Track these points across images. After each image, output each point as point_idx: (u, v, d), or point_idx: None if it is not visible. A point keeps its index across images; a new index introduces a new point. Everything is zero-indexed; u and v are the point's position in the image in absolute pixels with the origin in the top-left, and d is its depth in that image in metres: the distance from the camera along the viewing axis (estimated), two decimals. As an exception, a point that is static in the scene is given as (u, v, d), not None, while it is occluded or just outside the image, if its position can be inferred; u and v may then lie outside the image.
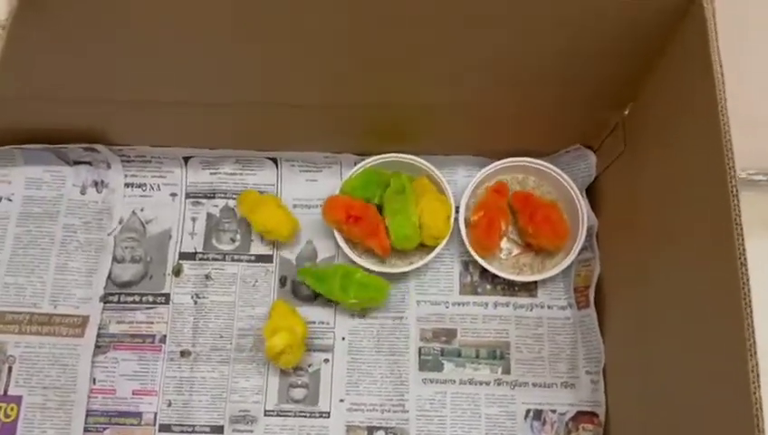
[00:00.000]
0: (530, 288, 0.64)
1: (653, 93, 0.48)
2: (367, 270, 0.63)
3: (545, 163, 0.63)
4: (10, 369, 0.62)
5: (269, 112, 0.59)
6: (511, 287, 0.64)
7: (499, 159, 0.64)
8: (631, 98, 0.52)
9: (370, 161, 0.64)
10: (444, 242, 0.61)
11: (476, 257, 0.61)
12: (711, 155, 0.37)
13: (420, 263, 0.62)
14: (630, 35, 0.45)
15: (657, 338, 0.47)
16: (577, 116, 0.57)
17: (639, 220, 0.50)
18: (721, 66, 0.35)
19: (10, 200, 0.66)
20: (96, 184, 0.67)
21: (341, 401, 0.61)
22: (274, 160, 0.67)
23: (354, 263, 0.63)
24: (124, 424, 0.61)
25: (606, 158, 0.59)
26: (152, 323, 0.63)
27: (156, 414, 0.61)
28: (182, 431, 0.61)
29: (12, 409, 0.61)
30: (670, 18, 0.41)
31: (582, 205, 0.61)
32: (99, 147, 0.64)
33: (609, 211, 0.59)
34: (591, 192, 0.63)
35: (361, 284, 0.61)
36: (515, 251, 0.64)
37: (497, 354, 0.62)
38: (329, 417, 0.61)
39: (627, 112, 0.54)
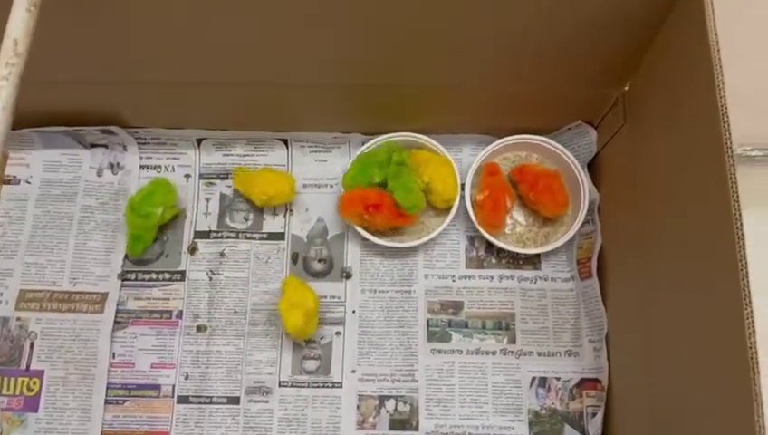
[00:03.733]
0: (533, 261, 0.66)
1: (652, 68, 0.50)
2: (377, 246, 0.65)
3: (547, 140, 0.65)
4: (32, 344, 0.64)
5: (280, 93, 0.61)
6: (515, 261, 0.66)
7: (502, 138, 0.66)
8: (631, 73, 0.54)
9: (376, 142, 0.66)
10: (455, 209, 0.63)
11: (484, 233, 0.63)
12: (709, 129, 0.38)
13: (428, 237, 0.64)
14: (629, 11, 0.47)
15: (659, 305, 0.49)
16: (578, 93, 0.59)
17: (640, 193, 0.52)
18: (717, 38, 0.37)
19: (29, 183, 0.68)
20: (112, 166, 0.69)
21: (353, 371, 0.64)
22: (285, 141, 0.69)
23: (366, 239, 0.65)
24: (143, 396, 0.63)
25: (606, 133, 0.61)
26: (169, 299, 0.66)
27: (174, 386, 0.63)
28: (200, 402, 0.63)
29: (35, 383, 0.63)
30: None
31: (584, 179, 0.63)
32: (115, 129, 0.66)
33: (610, 185, 0.62)
34: (593, 167, 0.65)
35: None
36: (519, 227, 0.66)
37: (503, 325, 0.64)
38: (341, 387, 0.63)
39: (627, 88, 0.56)
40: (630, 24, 0.48)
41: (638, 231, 0.54)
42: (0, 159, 0.35)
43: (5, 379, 0.63)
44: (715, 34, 0.38)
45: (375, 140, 0.66)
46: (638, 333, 0.52)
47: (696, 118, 0.42)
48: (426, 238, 0.64)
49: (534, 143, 0.65)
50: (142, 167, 0.69)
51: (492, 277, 0.66)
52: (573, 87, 0.58)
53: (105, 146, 0.69)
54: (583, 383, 0.62)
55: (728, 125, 0.37)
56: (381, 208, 0.62)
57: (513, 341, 0.64)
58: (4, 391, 0.63)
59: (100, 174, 0.69)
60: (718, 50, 0.37)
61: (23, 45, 0.36)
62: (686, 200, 0.44)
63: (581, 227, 0.63)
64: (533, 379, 0.63)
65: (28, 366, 0.63)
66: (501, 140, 0.65)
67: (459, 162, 0.67)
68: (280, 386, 0.63)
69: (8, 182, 0.68)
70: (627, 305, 0.56)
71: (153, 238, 0.66)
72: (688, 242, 0.44)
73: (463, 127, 0.67)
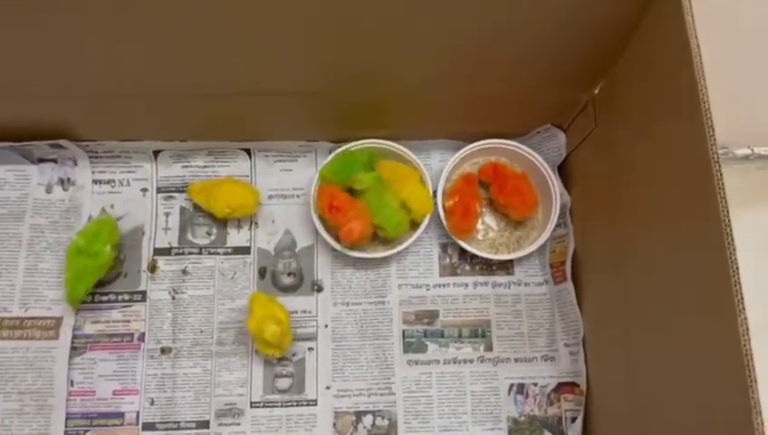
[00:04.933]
0: (507, 267, 0.65)
1: (624, 71, 0.50)
2: (348, 257, 0.63)
3: (516, 144, 0.64)
4: (-18, 376, 0.60)
5: (242, 101, 0.58)
6: (489, 267, 0.65)
7: (471, 143, 0.65)
8: (601, 76, 0.54)
9: (346, 148, 0.64)
10: (426, 220, 0.62)
11: (456, 239, 0.62)
12: (691, 131, 0.38)
13: (401, 247, 0.62)
14: (601, 16, 0.46)
15: (638, 309, 0.49)
16: (548, 96, 0.59)
17: (615, 195, 0.52)
18: (698, 41, 0.37)
19: (-29, 202, 0.64)
20: (62, 182, 0.65)
21: (328, 387, 0.62)
22: (248, 151, 0.67)
23: (335, 250, 0.63)
24: (106, 425, 0.60)
25: (576, 136, 0.61)
26: (129, 321, 0.62)
27: (138, 413, 0.60)
28: (167, 429, 0.60)
29: (-15, 417, 0.59)
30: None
31: (555, 183, 0.62)
32: (65, 142, 0.62)
33: (581, 188, 0.61)
34: (563, 170, 0.65)
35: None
36: (491, 232, 0.65)
37: (479, 332, 0.63)
38: (316, 405, 0.61)
39: (597, 91, 0.56)
40: (601, 28, 0.48)
41: (612, 233, 0.54)
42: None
43: (-48, 415, 0.59)
44: (696, 37, 0.37)
45: (343, 148, 0.64)
46: (617, 336, 0.52)
47: (675, 120, 0.42)
48: (398, 248, 0.62)
49: (503, 147, 0.65)
50: (95, 181, 0.66)
51: (466, 284, 0.65)
52: (542, 90, 0.58)
53: (54, 161, 0.65)
54: (561, 388, 0.62)
55: (712, 128, 0.37)
56: (338, 212, 0.60)
57: (489, 348, 0.63)
58: (-49, 429, 0.58)
59: (49, 190, 0.65)
60: (699, 54, 0.37)
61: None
62: (667, 202, 0.44)
63: (553, 230, 0.63)
64: (511, 385, 0.62)
65: (-22, 400, 0.59)
66: (470, 145, 0.65)
67: (429, 168, 0.66)
68: (252, 407, 0.61)
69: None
70: (603, 309, 0.56)
71: (95, 281, 0.61)
72: (669, 244, 0.44)
73: (431, 132, 0.66)
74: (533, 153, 0.63)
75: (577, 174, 0.62)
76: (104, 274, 0.61)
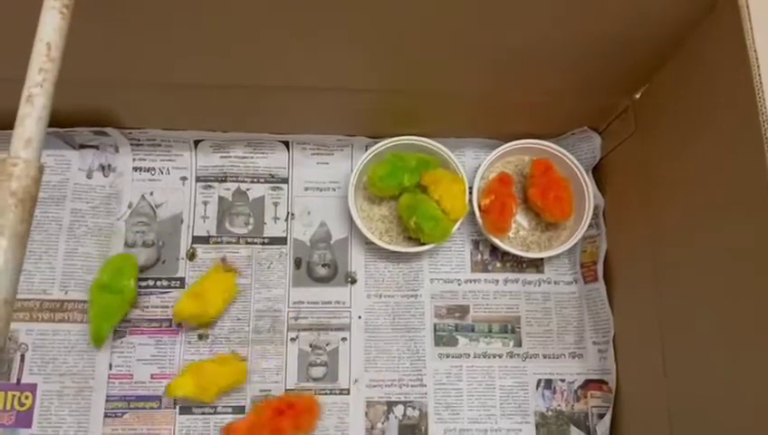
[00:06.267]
0: (537, 265, 0.67)
1: (672, 76, 0.51)
2: (382, 250, 0.64)
3: (551, 145, 0.66)
4: (23, 357, 0.61)
5: (283, 96, 0.59)
6: (519, 265, 0.67)
7: (507, 142, 0.66)
8: (643, 83, 0.55)
9: (382, 145, 0.65)
10: (460, 222, 0.63)
11: (490, 237, 0.64)
12: (747, 135, 0.39)
13: (434, 245, 0.63)
14: (647, 26, 0.47)
15: (678, 309, 0.50)
16: (588, 101, 0.60)
17: (654, 197, 0.54)
18: (756, 47, 0.38)
19: (13, 185, 0.64)
20: (103, 168, 0.66)
21: (360, 377, 0.63)
22: (286, 143, 0.68)
23: (371, 243, 0.64)
24: (144, 408, 0.61)
25: (613, 140, 0.62)
26: (168, 306, 0.63)
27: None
28: (204, 413, 0.61)
29: (26, 397, 0.60)
30: (695, 7, 0.44)
31: (588, 185, 0.64)
32: (109, 130, 0.63)
33: (617, 190, 0.63)
34: (597, 172, 0.66)
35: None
36: (522, 231, 0.67)
37: (509, 329, 0.65)
38: (348, 394, 0.63)
39: (638, 96, 0.57)
40: (647, 37, 0.49)
41: (648, 235, 0.55)
42: (36, 173, 0.33)
43: (-7, 394, 0.60)
44: (754, 43, 0.39)
45: (380, 144, 0.65)
46: (651, 336, 0.54)
47: (730, 125, 0.43)
48: (431, 245, 0.63)
49: (539, 147, 0.66)
50: (135, 169, 0.67)
51: (497, 281, 0.66)
52: (582, 96, 0.59)
53: (95, 147, 0.66)
54: (588, 384, 0.63)
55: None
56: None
57: (519, 344, 0.65)
58: (-7, 407, 0.59)
59: (90, 176, 0.66)
60: (757, 59, 0.38)
61: (56, 50, 0.34)
62: (715, 205, 0.45)
63: (585, 231, 0.64)
64: (539, 381, 0.64)
65: (19, 380, 0.60)
66: (506, 145, 0.66)
67: (462, 165, 0.67)
68: (287, 394, 0.62)
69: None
70: (637, 309, 0.58)
71: (121, 318, 0.61)
72: (715, 247, 0.45)
73: (467, 131, 0.67)
74: (568, 154, 0.65)
75: (612, 176, 0.64)
76: (129, 310, 0.61)
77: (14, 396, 0.60)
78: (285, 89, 0.58)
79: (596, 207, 0.64)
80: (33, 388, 0.60)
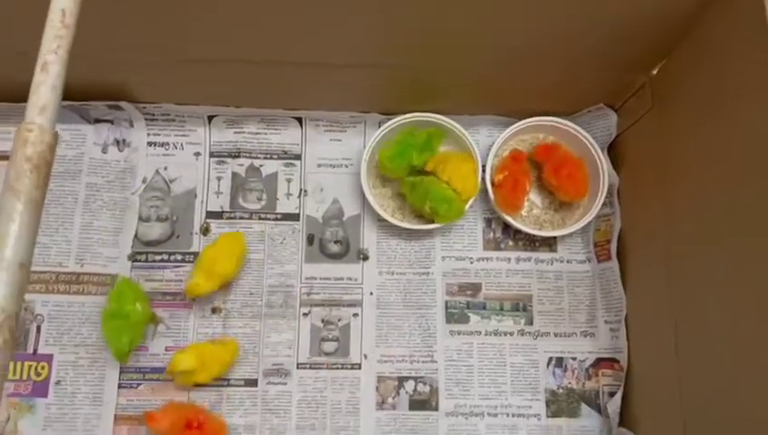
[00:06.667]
0: (550, 243, 0.66)
1: (691, 52, 0.50)
2: (394, 228, 0.65)
3: (566, 122, 0.65)
4: (39, 328, 0.62)
5: (296, 71, 0.59)
6: (532, 243, 0.66)
7: (521, 119, 0.66)
8: (661, 58, 0.55)
9: (395, 122, 0.65)
10: (471, 201, 0.63)
11: (502, 215, 0.64)
12: (765, 121, 0.38)
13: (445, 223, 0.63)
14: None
15: (690, 292, 0.50)
16: (604, 77, 0.59)
17: (670, 176, 0.53)
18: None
19: (29, 159, 0.65)
20: (117, 143, 0.67)
21: (371, 353, 0.63)
22: (299, 120, 0.68)
23: (383, 220, 0.64)
24: (158, 380, 0.62)
25: (629, 117, 0.61)
26: (182, 280, 0.64)
27: (189, 369, 0.62)
28: (218, 386, 0.62)
29: (42, 367, 0.61)
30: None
31: (603, 163, 0.63)
32: (124, 104, 0.63)
33: (632, 169, 0.62)
34: (612, 150, 0.65)
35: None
36: (535, 209, 0.66)
37: (520, 307, 0.65)
38: (360, 368, 0.63)
39: (655, 72, 0.56)
40: (668, 10, 0.48)
41: (664, 215, 0.54)
42: (51, 139, 0.33)
43: (10, 363, 0.61)
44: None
45: (393, 121, 0.65)
46: (664, 315, 0.53)
47: (747, 104, 0.42)
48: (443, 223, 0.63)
49: (553, 125, 0.65)
50: (150, 144, 0.67)
51: (509, 259, 0.66)
52: (599, 73, 0.58)
53: (110, 121, 0.66)
54: (599, 363, 0.63)
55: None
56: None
57: (530, 322, 0.64)
58: (11, 376, 0.60)
59: (105, 151, 0.66)
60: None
61: (71, 16, 0.34)
62: (732, 183, 0.44)
63: (599, 209, 0.63)
64: (550, 359, 0.64)
65: (35, 350, 0.61)
66: (520, 123, 0.65)
67: (476, 143, 0.66)
68: (298, 368, 0.63)
69: (6, 158, 0.65)
70: (650, 288, 0.57)
71: (139, 336, 0.60)
72: (732, 225, 0.44)
73: (480, 108, 0.66)
74: (583, 132, 0.64)
75: (627, 154, 0.63)
76: (143, 330, 0.61)
77: (30, 366, 0.61)
78: (298, 64, 0.58)
79: (610, 186, 0.63)
80: (49, 358, 0.61)
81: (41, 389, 0.60)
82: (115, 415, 0.60)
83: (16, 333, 0.31)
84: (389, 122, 0.65)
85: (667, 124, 0.54)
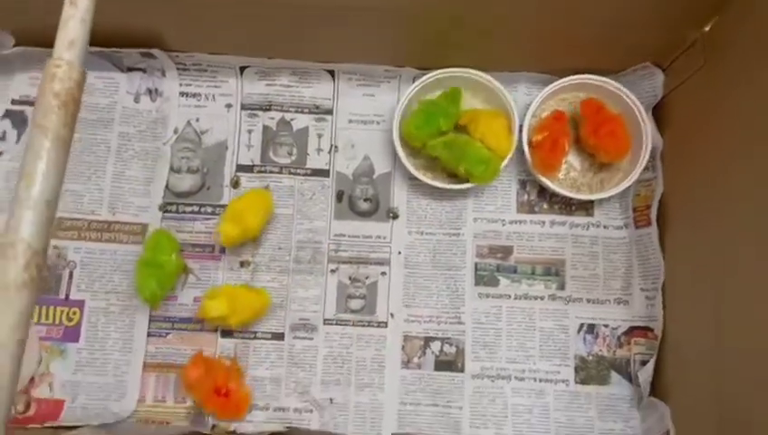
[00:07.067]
0: (587, 207, 0.64)
1: (744, 10, 0.47)
2: (425, 187, 0.63)
3: (610, 81, 0.62)
4: (71, 274, 0.62)
5: (327, 16, 0.57)
6: (568, 207, 0.64)
7: (562, 78, 0.63)
8: (714, 14, 0.51)
9: (431, 77, 0.63)
10: (507, 159, 0.61)
11: (538, 177, 0.62)
12: None
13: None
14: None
15: (736, 260, 0.48)
16: (652, 33, 0.56)
17: (719, 141, 0.50)
18: None
19: (63, 106, 0.65)
20: (150, 92, 0.66)
21: (398, 312, 0.63)
22: (332, 73, 0.66)
23: (414, 179, 0.63)
24: (186, 329, 0.62)
25: (677, 76, 0.58)
26: (212, 232, 0.64)
27: (217, 321, 0.62)
28: (244, 338, 0.62)
29: (74, 313, 0.62)
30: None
31: (647, 125, 0.60)
32: (156, 52, 0.63)
33: (678, 131, 0.59)
34: (657, 111, 0.62)
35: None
36: (573, 172, 0.64)
37: (552, 271, 0.63)
38: (386, 327, 0.63)
39: (707, 29, 0.53)
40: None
41: (711, 179, 0.52)
42: (79, 77, 0.33)
43: (43, 308, 0.62)
44: None
45: (427, 75, 0.63)
46: (705, 285, 0.51)
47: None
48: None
49: (596, 84, 0.63)
50: (182, 94, 0.66)
51: (543, 223, 0.64)
52: (646, 29, 0.55)
53: (143, 70, 0.66)
54: (632, 331, 0.61)
55: None
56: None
57: (562, 287, 0.63)
58: (43, 320, 0.61)
59: (137, 100, 0.66)
60: None
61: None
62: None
63: (640, 173, 0.61)
64: (582, 325, 0.62)
65: (67, 296, 0.62)
66: (561, 81, 0.63)
67: (514, 102, 0.64)
68: (325, 324, 0.62)
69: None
70: (691, 256, 0.55)
71: (170, 285, 0.61)
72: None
73: (521, 65, 0.64)
74: (628, 92, 0.61)
75: (673, 116, 0.60)
76: (174, 280, 0.61)
77: (62, 311, 0.62)
78: (329, 8, 0.56)
79: (653, 149, 0.61)
80: (80, 304, 0.62)
81: (72, 334, 0.61)
82: (144, 362, 0.61)
83: (44, 271, 0.31)
84: (424, 77, 0.63)
85: (717, 84, 0.51)
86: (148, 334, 0.62)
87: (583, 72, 0.63)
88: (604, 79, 0.62)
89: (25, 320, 0.30)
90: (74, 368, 0.61)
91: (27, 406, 0.60)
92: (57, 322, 0.62)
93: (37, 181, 0.31)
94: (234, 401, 0.59)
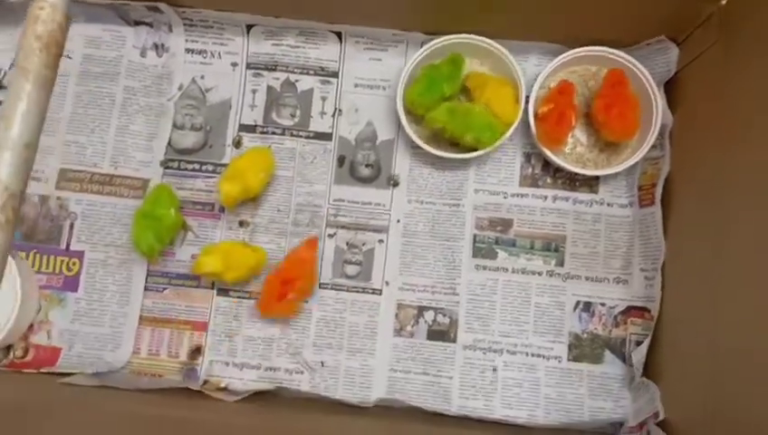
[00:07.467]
0: (591, 184, 0.63)
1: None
2: (428, 155, 0.62)
3: (622, 54, 0.60)
4: (72, 225, 0.63)
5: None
6: (572, 182, 0.63)
7: (573, 48, 0.61)
8: (733, -15, 0.49)
9: (438, 42, 0.62)
10: (512, 128, 0.60)
11: (543, 150, 0.60)
12: None
13: (482, 151, 0.61)
14: None
15: (739, 243, 0.47)
16: (665, 5, 0.54)
17: (733, 119, 0.49)
18: None
19: (69, 58, 0.65)
20: (156, 47, 0.66)
21: (393, 280, 0.63)
22: (339, 35, 0.65)
23: (417, 147, 0.62)
24: (183, 285, 0.63)
25: (691, 52, 0.56)
26: (212, 191, 0.64)
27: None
28: (239, 297, 0.62)
29: (74, 263, 0.63)
30: None
31: (658, 101, 0.59)
32: (163, 6, 0.62)
33: (689, 108, 0.57)
34: (669, 87, 0.61)
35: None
36: (579, 147, 0.63)
37: (552, 247, 0.62)
38: (380, 294, 0.62)
39: (724, 2, 0.51)
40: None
41: (719, 159, 0.50)
42: (62, 19, 0.32)
43: (45, 257, 0.63)
44: None
45: (435, 41, 0.62)
46: (705, 269, 0.50)
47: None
48: (480, 152, 0.61)
49: (607, 57, 0.61)
50: (188, 50, 0.66)
51: (546, 197, 0.63)
52: (662, 1, 0.53)
53: (150, 25, 0.65)
54: (629, 311, 0.61)
55: None
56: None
57: (561, 263, 0.62)
58: (44, 269, 0.62)
59: (143, 54, 0.66)
60: None
61: None
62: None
63: (648, 151, 0.59)
64: (578, 302, 0.61)
65: (68, 246, 0.63)
66: (571, 52, 0.61)
67: (523, 72, 0.63)
68: (320, 287, 0.63)
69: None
70: (693, 238, 0.54)
71: (167, 239, 0.61)
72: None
73: (532, 34, 0.62)
74: (640, 66, 0.59)
75: (684, 93, 0.58)
76: (172, 235, 0.62)
77: (62, 261, 0.63)
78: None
79: (662, 126, 0.59)
80: (80, 255, 0.63)
81: (71, 283, 0.62)
82: (140, 316, 0.62)
83: (19, 212, 0.31)
84: (432, 42, 0.62)
85: (733, 59, 0.49)
86: (145, 289, 0.62)
87: (596, 44, 0.61)
88: (617, 52, 0.60)
89: (0, 260, 0.30)
90: (72, 317, 0.62)
91: (25, 352, 0.61)
92: (57, 271, 0.63)
93: (16, 123, 0.31)
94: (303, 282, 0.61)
